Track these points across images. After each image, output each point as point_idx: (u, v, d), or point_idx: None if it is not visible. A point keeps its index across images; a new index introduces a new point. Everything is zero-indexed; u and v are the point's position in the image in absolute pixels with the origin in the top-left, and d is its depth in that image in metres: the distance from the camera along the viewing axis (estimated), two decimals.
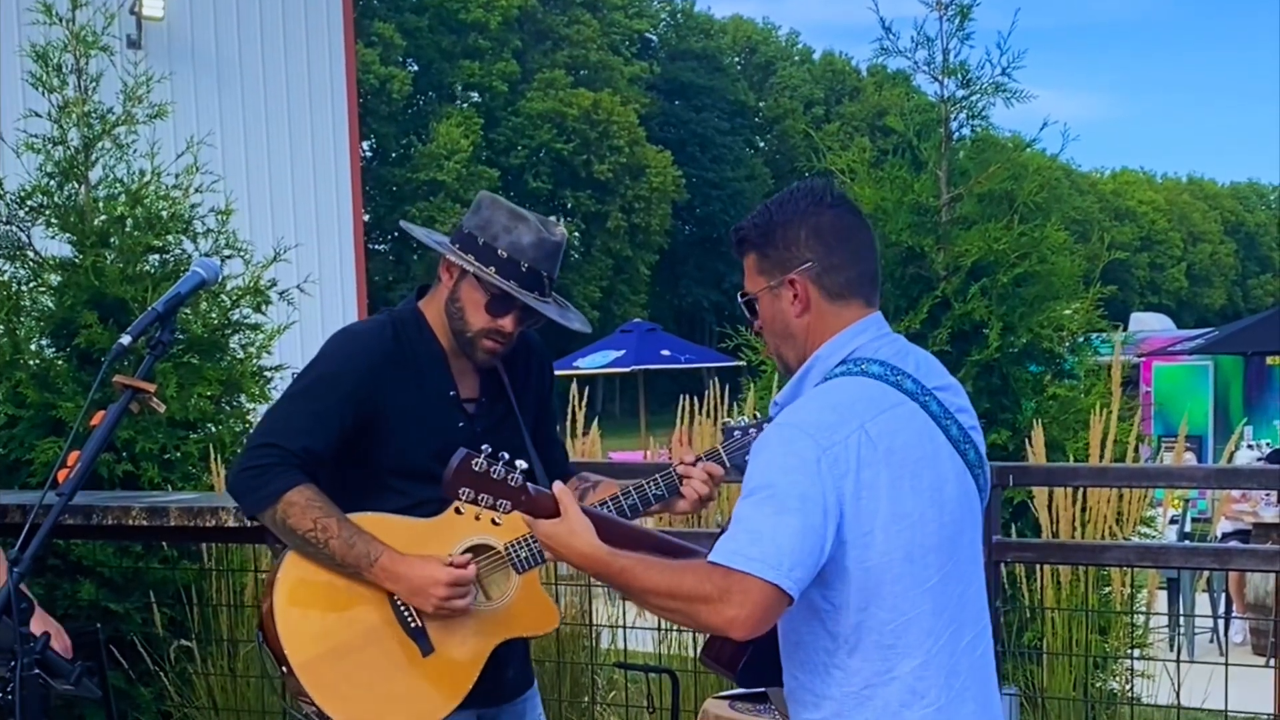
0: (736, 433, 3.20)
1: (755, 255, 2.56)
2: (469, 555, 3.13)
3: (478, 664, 3.16)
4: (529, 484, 2.56)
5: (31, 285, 6.09)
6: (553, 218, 3.28)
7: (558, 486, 2.53)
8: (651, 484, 3.16)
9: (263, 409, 6.19)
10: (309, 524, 3.03)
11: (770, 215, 2.55)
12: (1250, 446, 14.68)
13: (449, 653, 3.12)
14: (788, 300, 2.53)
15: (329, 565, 3.06)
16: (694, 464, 3.16)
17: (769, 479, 2.36)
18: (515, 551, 3.17)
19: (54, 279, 6.04)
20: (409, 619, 3.09)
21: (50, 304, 6.04)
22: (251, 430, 3.22)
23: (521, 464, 2.57)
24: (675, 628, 5.78)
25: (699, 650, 2.94)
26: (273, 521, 3.07)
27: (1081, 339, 6.08)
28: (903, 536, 2.40)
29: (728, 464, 3.16)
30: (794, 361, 2.57)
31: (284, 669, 3.06)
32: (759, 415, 3.50)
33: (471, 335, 3.17)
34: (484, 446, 2.56)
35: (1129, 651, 5.24)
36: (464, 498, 2.54)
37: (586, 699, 5.86)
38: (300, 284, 6.31)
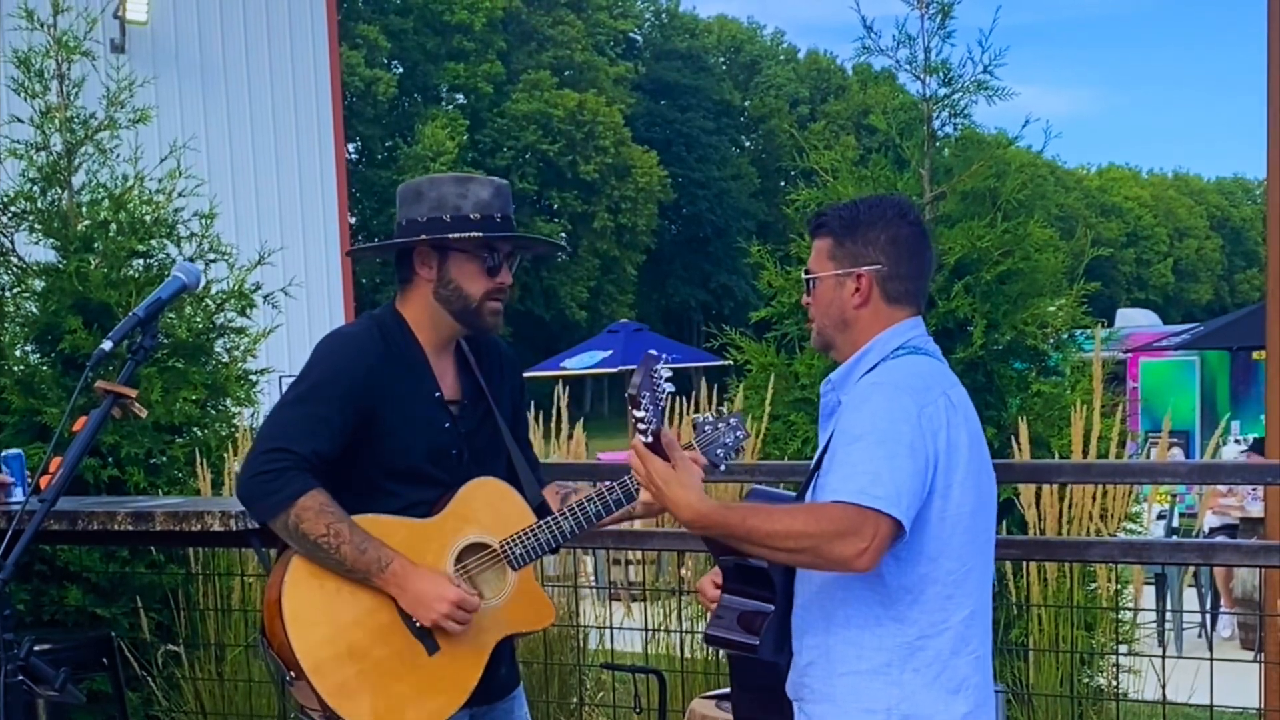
0: (707, 428, 3.28)
1: (831, 242, 2.78)
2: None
3: (481, 661, 3.19)
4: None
5: (15, 291, 6.08)
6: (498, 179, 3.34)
7: (666, 436, 2.59)
8: (632, 479, 3.17)
9: (248, 413, 6.20)
10: (322, 529, 3.03)
11: (857, 212, 2.78)
12: (1237, 441, 14.69)
13: (454, 652, 3.14)
14: (849, 290, 2.76)
15: (338, 570, 3.07)
16: None
17: (877, 426, 2.57)
18: (510, 549, 3.20)
19: (38, 284, 6.03)
20: (415, 619, 3.10)
21: (34, 309, 6.03)
22: (256, 436, 3.21)
23: (669, 385, 2.61)
24: (663, 628, 5.79)
25: (704, 629, 2.97)
26: (285, 526, 3.06)
27: (1066, 335, 6.09)
28: (971, 494, 2.65)
29: (703, 459, 3.20)
30: (840, 343, 2.80)
31: (292, 674, 3.06)
32: (732, 407, 3.53)
33: (476, 304, 3.21)
34: (663, 357, 2.60)
35: (1115, 647, 5.25)
36: (644, 401, 2.56)
37: (574, 700, 5.86)
38: (285, 287, 6.31)
